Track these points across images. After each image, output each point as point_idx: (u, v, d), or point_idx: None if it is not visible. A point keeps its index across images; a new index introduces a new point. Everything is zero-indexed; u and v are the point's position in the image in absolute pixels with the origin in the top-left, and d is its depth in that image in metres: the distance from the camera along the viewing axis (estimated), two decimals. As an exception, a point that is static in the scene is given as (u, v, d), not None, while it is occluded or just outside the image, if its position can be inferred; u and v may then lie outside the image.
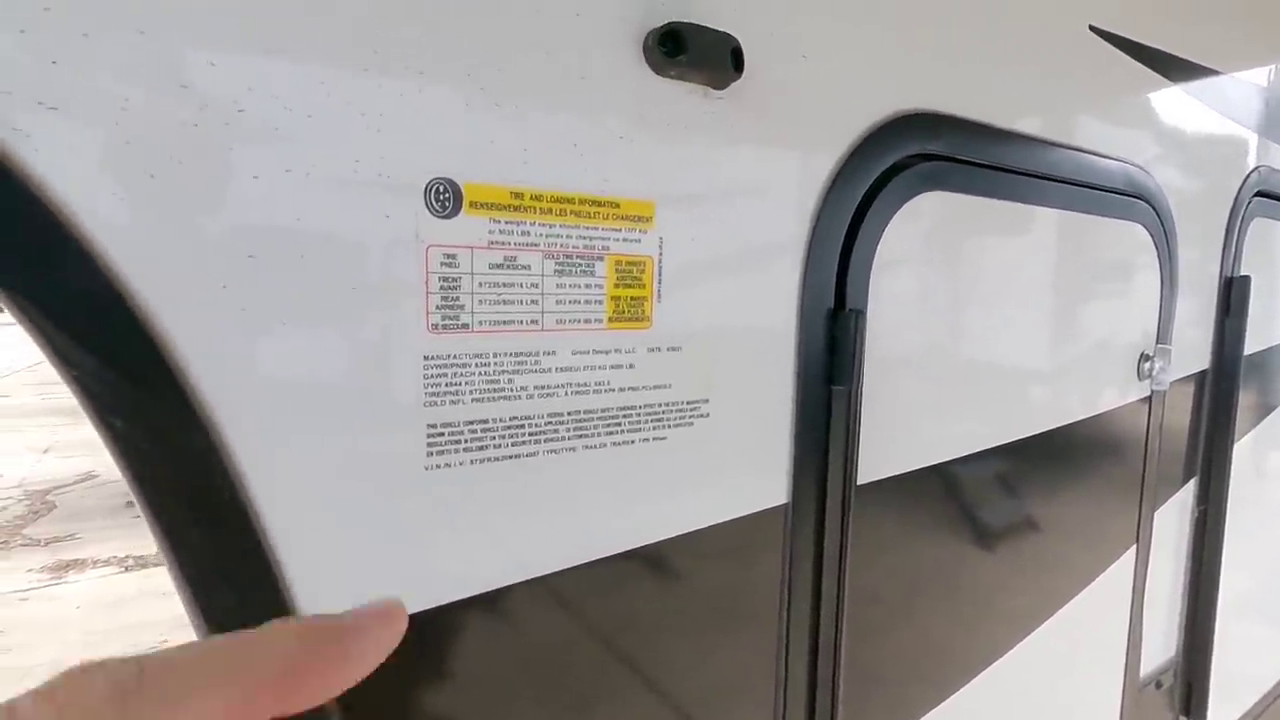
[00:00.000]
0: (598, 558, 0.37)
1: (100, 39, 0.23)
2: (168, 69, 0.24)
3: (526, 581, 0.35)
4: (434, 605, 0.32)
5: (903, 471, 0.52)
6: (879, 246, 0.47)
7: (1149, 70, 0.68)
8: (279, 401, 0.27)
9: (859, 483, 0.48)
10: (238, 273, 0.26)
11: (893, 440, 0.50)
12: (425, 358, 0.30)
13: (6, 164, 0.22)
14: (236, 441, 0.26)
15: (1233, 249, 0.85)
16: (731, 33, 0.36)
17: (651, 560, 0.39)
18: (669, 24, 0.34)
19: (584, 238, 0.34)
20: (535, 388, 0.34)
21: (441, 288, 0.31)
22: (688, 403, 0.39)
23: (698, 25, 0.35)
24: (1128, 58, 0.65)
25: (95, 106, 0.23)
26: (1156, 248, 0.72)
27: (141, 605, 2.68)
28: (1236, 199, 0.85)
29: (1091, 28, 0.61)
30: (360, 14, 0.27)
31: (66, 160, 0.23)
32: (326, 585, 0.29)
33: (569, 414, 0.35)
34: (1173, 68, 0.71)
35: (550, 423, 0.34)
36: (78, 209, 0.23)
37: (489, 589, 0.33)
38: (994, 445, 0.59)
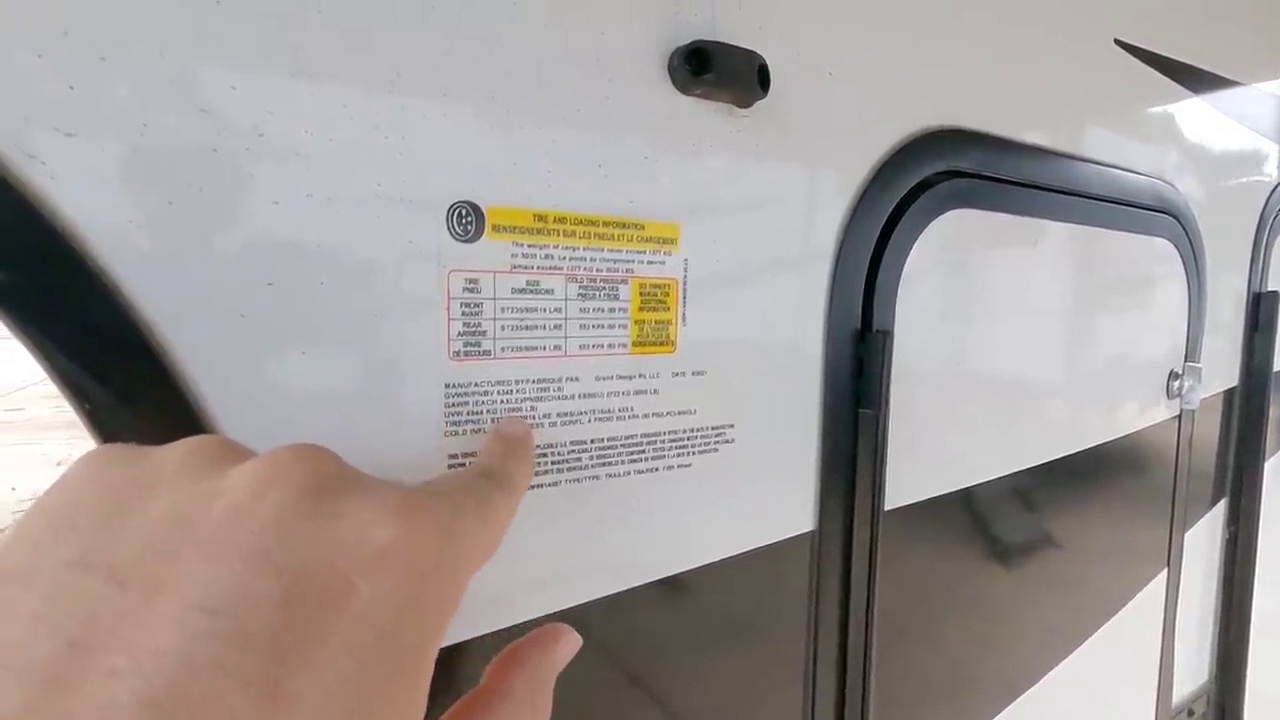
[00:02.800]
0: (622, 589, 0.36)
1: (118, 63, 0.22)
2: (187, 93, 0.24)
3: (552, 615, 0.33)
4: (459, 640, 0.31)
5: (931, 496, 0.50)
6: (906, 266, 0.46)
7: (1174, 84, 0.67)
8: (297, 433, 0.26)
9: (886, 509, 0.46)
10: (256, 301, 0.25)
11: (921, 464, 0.49)
12: (446, 386, 0.29)
13: (22, 191, 0.22)
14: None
15: (1260, 264, 0.84)
16: (757, 51, 0.36)
17: (675, 591, 0.38)
18: (695, 42, 0.33)
19: (608, 260, 0.33)
20: (558, 415, 0.33)
21: (463, 313, 0.30)
22: (712, 429, 0.38)
23: (723, 44, 0.34)
24: (1154, 71, 0.64)
25: (113, 132, 0.23)
26: (1184, 264, 0.70)
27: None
28: (1263, 213, 0.84)
29: (1117, 41, 0.60)
30: (383, 35, 0.27)
31: (83, 188, 0.22)
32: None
33: (592, 441, 0.34)
34: (1198, 80, 0.70)
35: (573, 451, 0.33)
36: (94, 238, 0.22)
37: (515, 623, 0.32)
38: (1024, 468, 0.58)
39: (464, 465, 0.30)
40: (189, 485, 0.17)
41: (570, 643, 0.25)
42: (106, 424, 0.23)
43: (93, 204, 0.22)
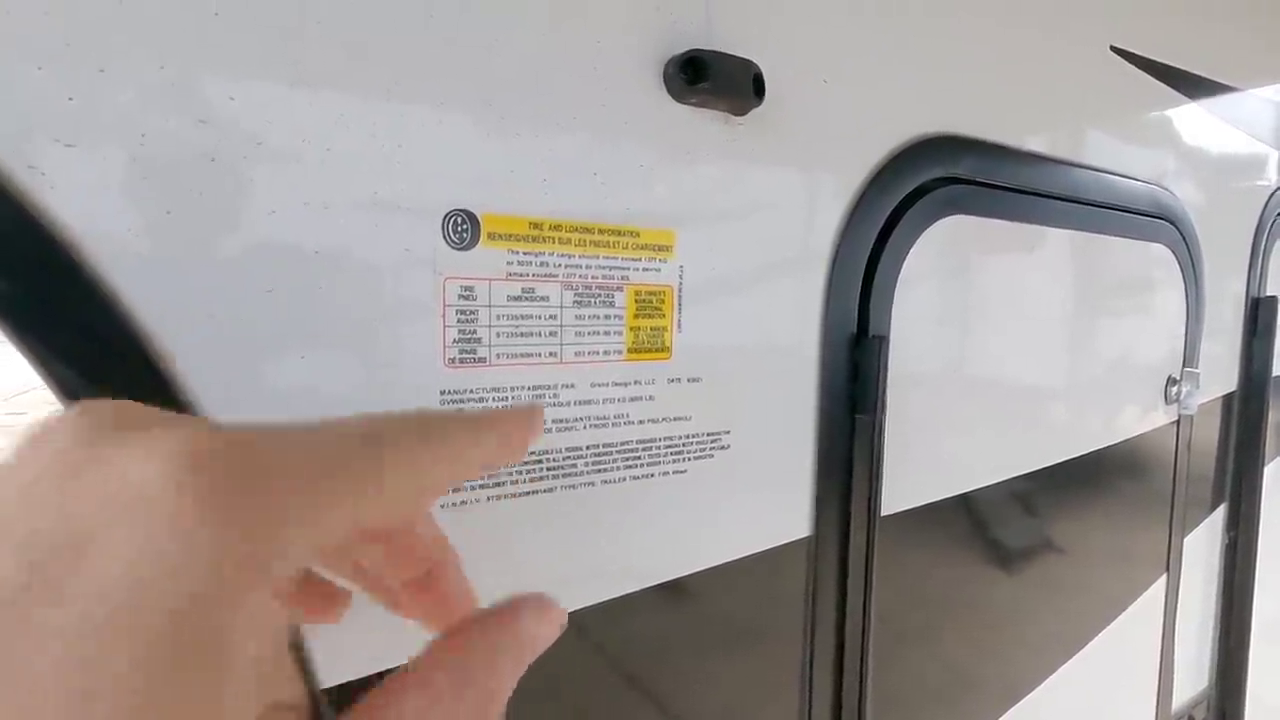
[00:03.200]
0: (618, 595, 0.36)
1: (118, 74, 0.23)
2: (186, 103, 0.24)
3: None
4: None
5: (927, 502, 0.50)
6: (902, 272, 0.46)
7: (1171, 90, 0.67)
8: (293, 440, 0.27)
9: (883, 514, 0.46)
10: (255, 308, 0.25)
11: (917, 470, 0.49)
12: (442, 392, 0.30)
13: (22, 203, 0.22)
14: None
15: (1258, 269, 0.84)
16: (752, 59, 0.36)
17: (672, 597, 0.38)
18: (690, 51, 0.34)
19: (603, 268, 0.34)
20: (554, 421, 0.33)
21: (459, 320, 0.30)
22: (708, 435, 0.38)
23: (719, 52, 0.35)
24: (1150, 78, 0.64)
25: (112, 142, 0.23)
26: (1182, 269, 0.71)
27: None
28: (1261, 218, 0.84)
29: (1113, 48, 0.60)
30: (380, 45, 0.27)
31: (82, 197, 0.23)
32: (342, 625, 0.28)
33: (588, 448, 0.34)
34: (1195, 86, 0.70)
35: (569, 458, 0.33)
36: (93, 247, 0.23)
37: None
38: (1021, 473, 0.58)
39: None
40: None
41: (550, 615, 0.20)
42: (104, 431, 0.23)
43: (92, 213, 0.23)
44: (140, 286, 0.23)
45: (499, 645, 0.19)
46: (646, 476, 0.36)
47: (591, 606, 0.35)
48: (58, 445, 0.15)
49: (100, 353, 0.23)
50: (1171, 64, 0.66)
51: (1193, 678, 0.86)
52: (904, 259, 0.46)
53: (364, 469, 0.16)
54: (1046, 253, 0.58)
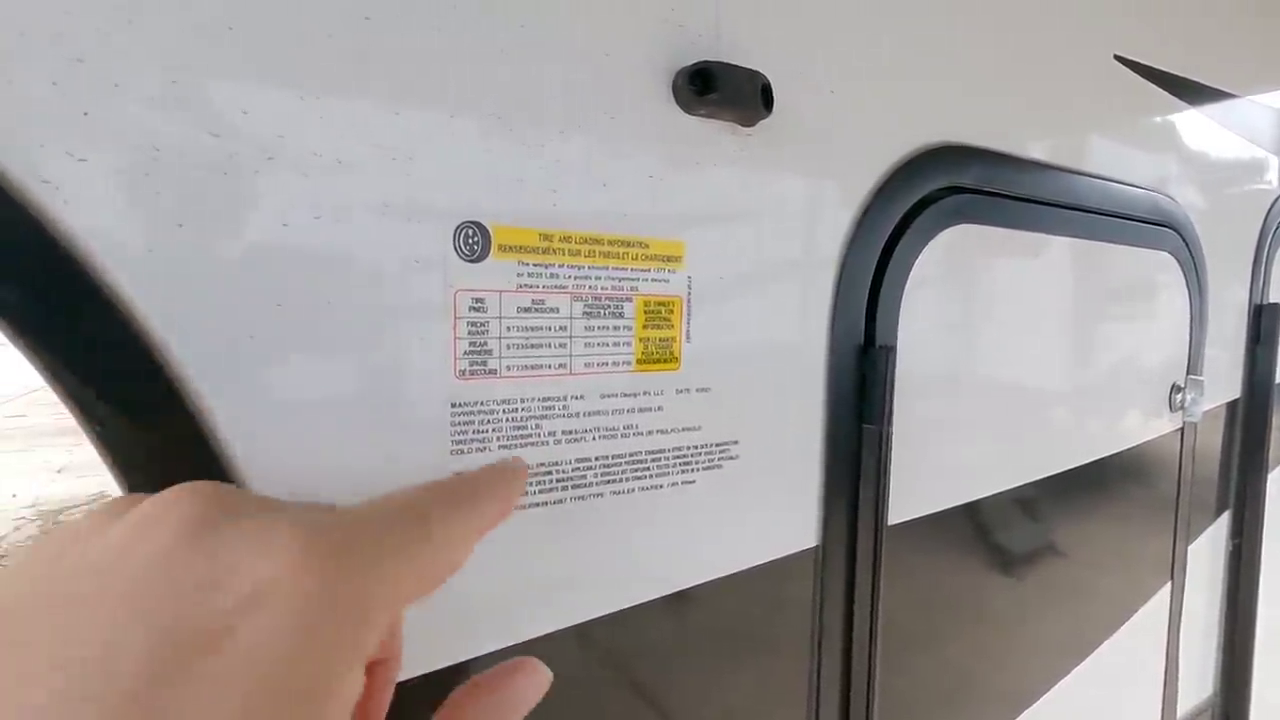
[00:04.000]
0: (627, 606, 0.36)
1: (132, 89, 0.23)
2: (199, 118, 0.24)
3: (557, 632, 0.33)
4: (464, 659, 0.31)
5: (934, 511, 0.50)
6: (909, 281, 0.46)
7: (1174, 98, 0.67)
8: (305, 455, 0.26)
9: (890, 523, 0.46)
10: (266, 321, 0.25)
11: (924, 479, 0.49)
12: (453, 405, 0.30)
13: (36, 217, 0.22)
14: (263, 491, 0.26)
15: (1261, 276, 0.84)
16: (760, 70, 0.36)
17: (680, 607, 0.38)
18: (699, 63, 0.34)
19: (612, 279, 0.34)
20: (563, 432, 0.33)
21: (469, 333, 0.30)
22: (716, 445, 0.38)
23: (727, 64, 0.35)
24: (1153, 86, 0.64)
25: (125, 157, 0.23)
26: (1185, 277, 0.71)
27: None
28: (1264, 225, 0.84)
29: (1116, 57, 0.61)
30: (391, 59, 0.27)
31: (96, 212, 0.22)
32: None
33: (597, 459, 0.34)
34: (1198, 94, 0.70)
35: (578, 469, 0.33)
36: (106, 261, 0.23)
37: (518, 641, 0.32)
38: (1026, 481, 0.58)
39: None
40: (87, 538, 0.17)
41: (535, 678, 0.23)
42: (119, 446, 0.23)
43: (105, 227, 0.23)
44: (152, 299, 0.23)
45: (513, 700, 0.23)
46: (655, 487, 0.36)
47: (601, 617, 0.35)
48: (178, 528, 0.16)
49: (112, 366, 0.23)
50: (1174, 72, 0.67)
51: (1197, 685, 0.86)
52: (910, 268, 0.46)
53: (419, 551, 0.19)
54: (1052, 261, 0.58)
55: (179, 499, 0.17)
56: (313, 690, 0.16)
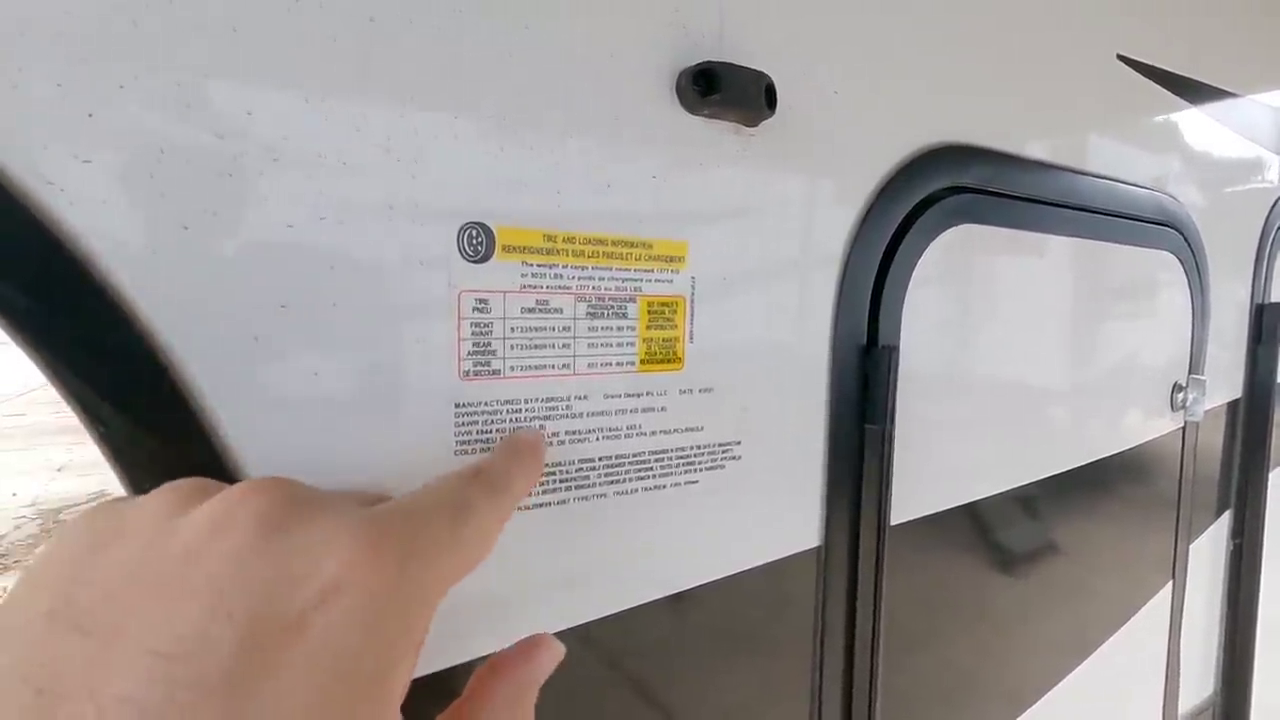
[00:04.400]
0: (630, 607, 0.36)
1: (137, 91, 0.23)
2: (204, 119, 0.24)
3: (561, 632, 0.33)
4: (465, 660, 0.31)
5: (936, 511, 0.50)
6: (911, 281, 0.46)
7: (1176, 97, 0.67)
8: (309, 455, 0.27)
9: (892, 523, 0.46)
10: (270, 323, 0.25)
11: (927, 479, 0.49)
12: (456, 405, 0.30)
13: (39, 218, 0.22)
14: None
15: (1263, 275, 0.84)
16: (764, 70, 0.36)
17: (682, 607, 0.38)
18: (703, 63, 0.34)
19: (616, 279, 0.34)
20: (566, 433, 0.33)
21: (473, 333, 0.30)
22: (719, 445, 0.38)
23: (731, 64, 0.35)
24: (1156, 85, 0.64)
25: (130, 159, 0.23)
26: (1187, 276, 0.71)
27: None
28: (1266, 225, 0.84)
29: (1119, 56, 0.61)
30: (395, 59, 0.27)
31: (100, 213, 0.22)
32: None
33: (600, 459, 0.34)
34: (1200, 94, 0.70)
35: (581, 469, 0.33)
36: (110, 264, 0.23)
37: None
38: (1029, 481, 0.58)
39: (473, 484, 0.30)
40: (152, 530, 0.18)
41: (552, 652, 0.25)
42: (123, 448, 0.23)
43: (109, 229, 0.23)
44: (156, 301, 0.23)
45: (533, 672, 0.25)
46: (659, 487, 0.36)
47: (603, 618, 0.35)
48: (251, 526, 0.17)
49: (116, 366, 0.23)
50: (1177, 71, 0.67)
51: (1198, 684, 0.86)
52: (913, 269, 0.46)
53: (463, 541, 0.21)
54: (1054, 261, 0.58)
55: (246, 498, 0.18)
56: (381, 676, 0.17)
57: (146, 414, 0.23)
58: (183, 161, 0.24)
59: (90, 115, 0.22)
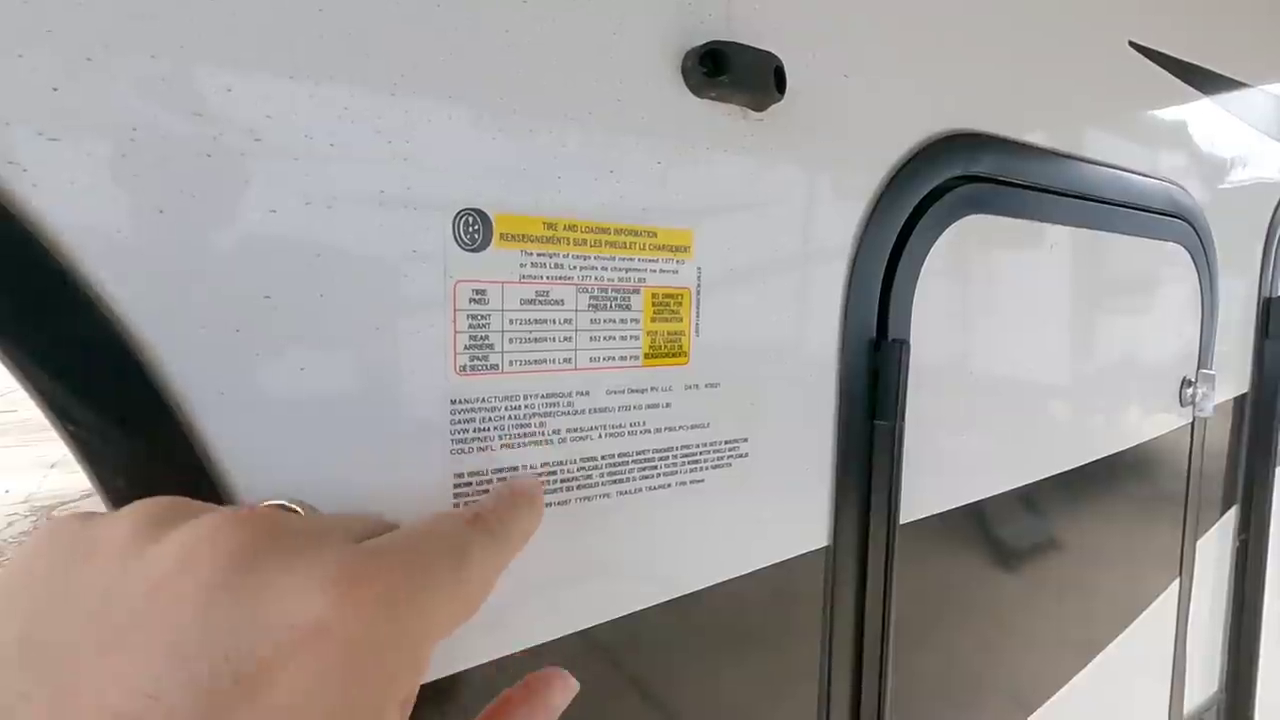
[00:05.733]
0: (636, 610, 0.34)
1: (107, 63, 0.21)
2: (180, 95, 0.22)
3: (566, 637, 0.32)
4: (465, 667, 0.29)
5: (946, 509, 0.49)
6: (922, 273, 0.44)
7: (1188, 87, 0.66)
8: (295, 456, 0.25)
9: (901, 522, 0.45)
10: (252, 315, 0.24)
11: (937, 477, 0.48)
12: (452, 402, 0.28)
13: (2, 200, 0.20)
14: (251, 496, 0.24)
15: (1271, 269, 0.83)
16: (774, 52, 0.34)
17: (690, 609, 0.37)
18: (710, 43, 0.32)
19: (619, 270, 0.32)
20: (568, 430, 0.31)
21: (470, 326, 0.28)
22: (726, 442, 0.37)
23: (740, 45, 0.33)
24: (1168, 74, 0.63)
25: (100, 137, 0.21)
26: (1197, 268, 0.69)
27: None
28: (1274, 217, 0.83)
29: (1131, 44, 0.59)
30: (386, 35, 0.25)
31: (68, 196, 0.21)
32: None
33: (603, 458, 0.33)
34: (1212, 83, 0.69)
35: (583, 468, 0.32)
36: (80, 248, 0.21)
37: (527, 646, 0.31)
38: (1040, 478, 0.57)
39: (470, 485, 0.29)
40: (120, 558, 0.16)
41: (566, 688, 0.24)
42: (94, 447, 0.22)
43: (78, 213, 0.21)
44: (129, 290, 0.22)
45: (546, 709, 0.23)
46: (664, 487, 0.35)
47: (607, 622, 0.34)
48: (220, 563, 0.16)
49: (87, 362, 0.22)
50: (1188, 60, 0.65)
51: (1204, 682, 0.85)
52: (924, 261, 0.44)
53: (460, 589, 0.19)
54: (1064, 252, 0.57)
55: (220, 529, 0.17)
56: None
57: (118, 411, 0.22)
58: (158, 141, 0.22)
59: (55, 89, 0.21)
